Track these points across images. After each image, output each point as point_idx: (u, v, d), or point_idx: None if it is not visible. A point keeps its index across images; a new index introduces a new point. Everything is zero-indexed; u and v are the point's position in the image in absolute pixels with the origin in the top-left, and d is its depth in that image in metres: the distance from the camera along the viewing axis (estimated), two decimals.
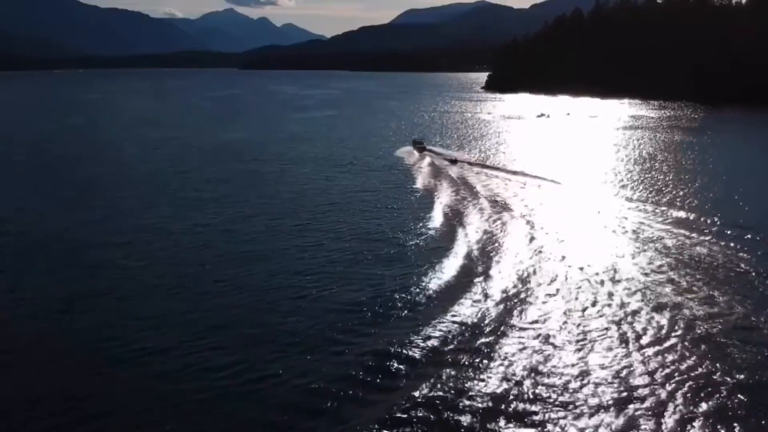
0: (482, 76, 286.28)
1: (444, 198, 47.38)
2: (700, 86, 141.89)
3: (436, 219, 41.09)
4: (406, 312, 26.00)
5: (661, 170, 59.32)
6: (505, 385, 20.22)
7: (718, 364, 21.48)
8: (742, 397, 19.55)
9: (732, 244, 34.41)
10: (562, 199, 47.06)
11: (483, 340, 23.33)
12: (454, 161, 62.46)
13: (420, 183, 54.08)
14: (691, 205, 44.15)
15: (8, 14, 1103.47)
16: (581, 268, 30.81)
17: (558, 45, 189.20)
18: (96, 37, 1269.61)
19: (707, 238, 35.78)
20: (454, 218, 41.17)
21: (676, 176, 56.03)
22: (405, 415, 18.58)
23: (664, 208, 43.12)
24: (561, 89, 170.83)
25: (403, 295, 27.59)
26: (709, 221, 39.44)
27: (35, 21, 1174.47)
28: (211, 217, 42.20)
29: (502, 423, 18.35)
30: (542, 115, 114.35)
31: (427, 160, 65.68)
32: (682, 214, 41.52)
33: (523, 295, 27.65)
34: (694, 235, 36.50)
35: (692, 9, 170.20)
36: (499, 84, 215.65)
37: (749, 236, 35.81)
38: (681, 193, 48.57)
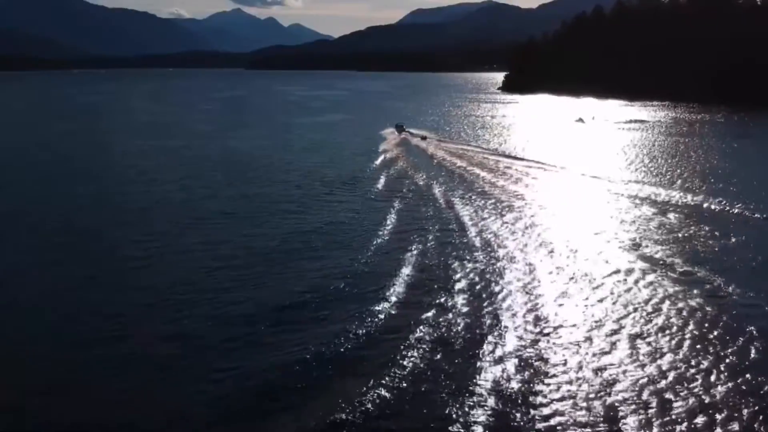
0: (494, 76, 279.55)
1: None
2: (733, 89, 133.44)
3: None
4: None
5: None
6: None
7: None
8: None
9: None
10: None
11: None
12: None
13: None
14: None
15: (14, 14, 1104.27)
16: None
17: (579, 44, 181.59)
18: (102, 38, 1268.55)
19: None
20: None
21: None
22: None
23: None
24: (584, 90, 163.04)
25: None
26: None
27: (41, 21, 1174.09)
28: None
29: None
30: (580, 119, 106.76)
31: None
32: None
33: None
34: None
35: (720, 7, 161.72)
36: (517, 85, 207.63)
37: None
38: None
